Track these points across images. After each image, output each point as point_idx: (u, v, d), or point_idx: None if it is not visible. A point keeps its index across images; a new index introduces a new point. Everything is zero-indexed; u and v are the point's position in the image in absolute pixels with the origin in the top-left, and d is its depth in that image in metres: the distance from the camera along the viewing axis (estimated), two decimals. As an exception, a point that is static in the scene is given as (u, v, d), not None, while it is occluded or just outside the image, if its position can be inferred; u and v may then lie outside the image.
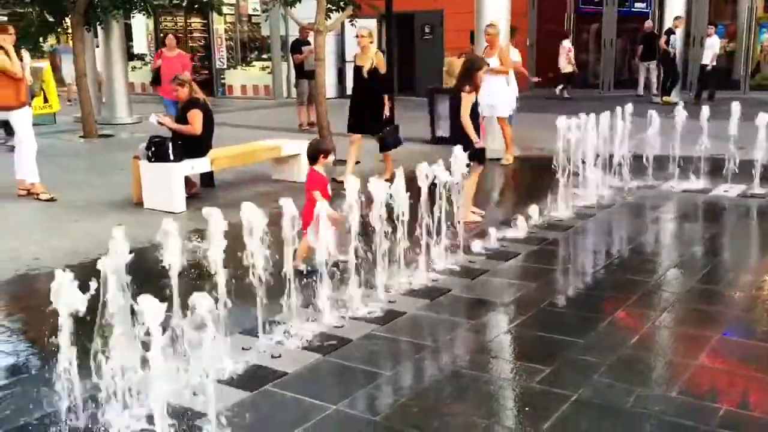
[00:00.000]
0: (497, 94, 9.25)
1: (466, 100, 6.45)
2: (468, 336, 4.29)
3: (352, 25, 10.88)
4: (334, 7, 10.30)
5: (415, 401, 3.51)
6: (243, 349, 4.02)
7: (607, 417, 3.33)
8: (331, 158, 5.43)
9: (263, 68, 20.48)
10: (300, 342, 4.14)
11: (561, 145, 6.97)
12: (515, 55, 10.58)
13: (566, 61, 17.34)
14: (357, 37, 8.44)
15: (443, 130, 10.50)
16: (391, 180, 4.87)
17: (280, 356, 3.98)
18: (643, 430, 3.22)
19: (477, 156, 6.39)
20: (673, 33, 15.79)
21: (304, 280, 4.58)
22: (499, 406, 3.51)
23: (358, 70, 8.37)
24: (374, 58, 8.23)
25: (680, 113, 8.06)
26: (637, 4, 19.56)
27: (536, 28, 19.02)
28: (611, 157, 7.90)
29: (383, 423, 3.31)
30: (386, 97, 8.39)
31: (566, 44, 17.30)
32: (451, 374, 3.80)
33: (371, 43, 8.41)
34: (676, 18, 15.87)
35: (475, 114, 6.52)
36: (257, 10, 21.66)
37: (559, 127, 6.91)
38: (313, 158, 5.35)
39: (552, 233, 6.32)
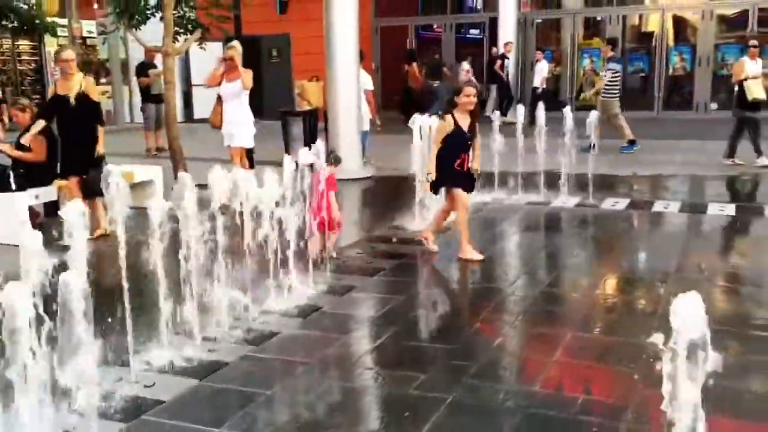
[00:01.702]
0: (236, 122, 8.39)
1: (441, 127, 6.17)
2: (342, 351, 4.39)
3: (201, 48, 10.75)
4: (181, 30, 10.13)
5: (297, 418, 3.56)
6: (114, 381, 3.87)
7: (481, 415, 3.55)
8: (339, 167, 6.37)
9: (103, 93, 19.60)
10: (173, 368, 4.06)
11: (417, 164, 7.30)
12: (367, 81, 10.89)
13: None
14: (59, 60, 7.27)
15: (296, 153, 10.57)
16: (101, 236, 4.60)
17: (153, 384, 3.88)
18: (514, 424, 3.47)
19: (440, 185, 6.22)
20: (507, 57, 16.92)
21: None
22: (380, 414, 3.64)
23: (62, 99, 6.98)
24: (82, 83, 7.00)
25: (518, 131, 8.70)
26: (471, 31, 20.73)
27: (380, 52, 19.64)
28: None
29: (269, 441, 3.34)
30: (100, 129, 7.17)
31: (465, 66, 17.69)
32: (330, 389, 3.89)
33: (77, 66, 7.17)
34: (507, 43, 17.02)
35: (458, 144, 6.10)
36: (92, 32, 20.77)
37: (414, 145, 7.23)
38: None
39: (413, 247, 6.58)
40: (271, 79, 18.73)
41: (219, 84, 8.48)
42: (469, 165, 6.20)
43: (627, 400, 3.62)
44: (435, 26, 20.36)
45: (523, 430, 3.43)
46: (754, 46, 10.61)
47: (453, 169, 6.10)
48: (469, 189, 6.29)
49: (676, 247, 6.54)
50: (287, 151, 11.40)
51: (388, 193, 9.67)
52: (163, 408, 3.65)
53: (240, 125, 8.38)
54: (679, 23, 17.96)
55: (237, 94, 8.37)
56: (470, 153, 6.18)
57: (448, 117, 6.10)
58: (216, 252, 4.54)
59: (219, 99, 8.62)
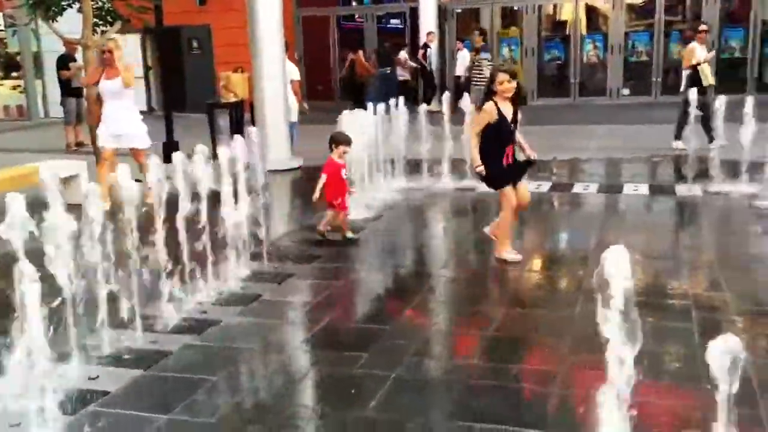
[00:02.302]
0: (123, 121, 7.75)
1: (480, 117, 5.56)
2: (286, 336, 4.49)
3: (121, 40, 10.52)
4: (101, 22, 9.91)
5: (247, 400, 3.65)
6: (57, 375, 3.85)
7: (424, 389, 3.72)
8: (344, 148, 6.49)
9: (14, 87, 18.87)
10: (116, 360, 4.07)
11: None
12: (293, 71, 10.91)
13: (404, 70, 17.56)
14: None
15: (226, 145, 10.50)
16: None
17: (97, 377, 3.89)
18: (455, 395, 3.65)
19: (493, 180, 5.66)
20: (429, 47, 17.18)
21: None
22: (327, 393, 3.75)
23: None
24: None
25: (445, 119, 8.94)
26: (392, 20, 20.92)
27: (302, 42, 19.60)
28: (391, 161, 8.53)
29: (221, 424, 3.41)
30: None
31: (403, 54, 17.62)
32: (277, 372, 3.98)
33: None
34: (429, 33, 17.29)
35: (504, 135, 5.55)
36: (-1, 26, 19.95)
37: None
38: (330, 147, 6.51)
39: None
40: (192, 71, 18.44)
41: (97, 82, 7.89)
42: (519, 156, 5.70)
43: (557, 367, 3.86)
44: (357, 16, 20.46)
45: (464, 400, 3.61)
46: (704, 32, 10.79)
47: (503, 163, 5.57)
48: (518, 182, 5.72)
49: (595, 225, 6.90)
50: (214, 145, 11.30)
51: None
52: (109, 398, 3.66)
53: (128, 125, 7.81)
54: (592, 12, 18.63)
55: (118, 92, 7.71)
56: (514, 145, 5.65)
57: (490, 105, 5.49)
58: (154, 241, 4.56)
59: (98, 97, 8.04)
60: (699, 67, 10.33)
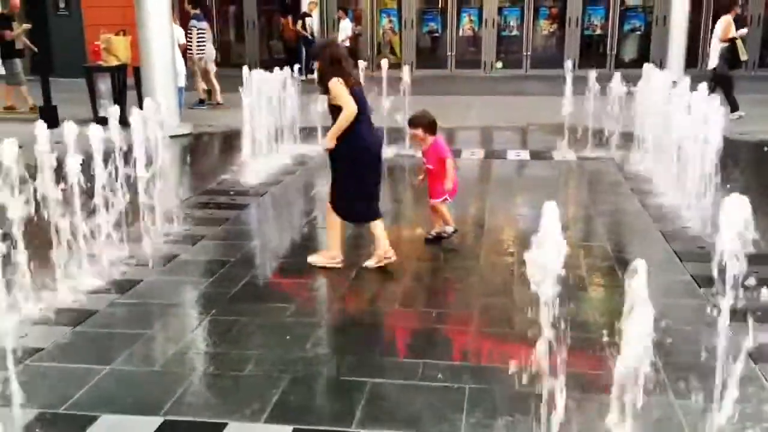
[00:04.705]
0: None
1: (338, 90, 4.58)
2: (211, 291, 4.61)
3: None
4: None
5: (185, 349, 3.80)
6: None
7: (352, 331, 4.04)
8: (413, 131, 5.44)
9: None
10: (42, 319, 4.08)
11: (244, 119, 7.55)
12: (180, 34, 10.72)
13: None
14: None
15: (105, 110, 10.19)
16: None
17: (26, 335, 3.90)
18: (377, 335, 3.97)
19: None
20: (309, 16, 17.23)
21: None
22: (263, 338, 3.94)
23: None
24: None
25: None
26: (273, -12, 20.61)
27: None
28: (284, 129, 8.69)
29: (164, 371, 3.56)
30: None
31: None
32: (209, 323, 4.14)
33: None
34: (311, 2, 17.33)
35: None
36: None
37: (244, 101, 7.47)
38: (432, 127, 5.31)
39: (250, 198, 6.83)
40: (59, 32, 17.50)
41: None
42: None
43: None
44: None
45: (389, 337, 3.95)
46: (738, 5, 10.78)
47: None
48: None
49: (484, 188, 7.38)
50: (94, 108, 10.92)
51: (212, 149, 9.77)
52: (44, 354, 3.71)
53: None
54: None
55: None
56: None
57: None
58: (73, 205, 4.56)
59: None
60: (737, 42, 10.13)
